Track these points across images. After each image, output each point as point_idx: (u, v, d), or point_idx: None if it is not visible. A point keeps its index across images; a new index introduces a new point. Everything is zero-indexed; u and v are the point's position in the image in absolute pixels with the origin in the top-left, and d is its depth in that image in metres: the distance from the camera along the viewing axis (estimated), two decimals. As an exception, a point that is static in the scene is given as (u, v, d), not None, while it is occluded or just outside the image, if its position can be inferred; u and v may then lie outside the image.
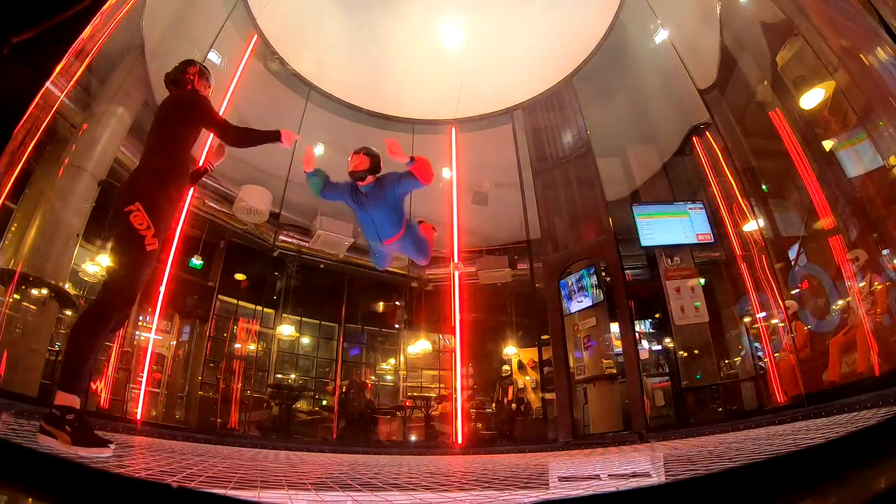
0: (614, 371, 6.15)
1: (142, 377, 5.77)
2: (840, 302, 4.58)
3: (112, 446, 1.97)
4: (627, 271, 6.53)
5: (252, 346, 8.66)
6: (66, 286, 5.25)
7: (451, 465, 3.51)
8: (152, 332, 6.31)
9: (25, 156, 4.86)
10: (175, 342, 7.65)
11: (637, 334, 6.69)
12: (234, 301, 8.52)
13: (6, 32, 0.55)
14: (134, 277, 2.09)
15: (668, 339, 7.33)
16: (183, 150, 2.43)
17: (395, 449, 6.67)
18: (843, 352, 4.15)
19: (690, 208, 6.33)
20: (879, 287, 4.04)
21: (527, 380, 8.89)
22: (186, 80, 2.73)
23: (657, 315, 7.52)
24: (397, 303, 10.03)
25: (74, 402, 1.87)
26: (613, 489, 1.30)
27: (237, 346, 8.46)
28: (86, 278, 6.09)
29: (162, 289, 5.97)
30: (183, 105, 2.54)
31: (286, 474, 2.12)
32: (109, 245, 2.26)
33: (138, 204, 2.08)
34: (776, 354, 5.23)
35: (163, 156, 2.32)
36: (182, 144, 2.42)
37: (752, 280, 5.71)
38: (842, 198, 4.70)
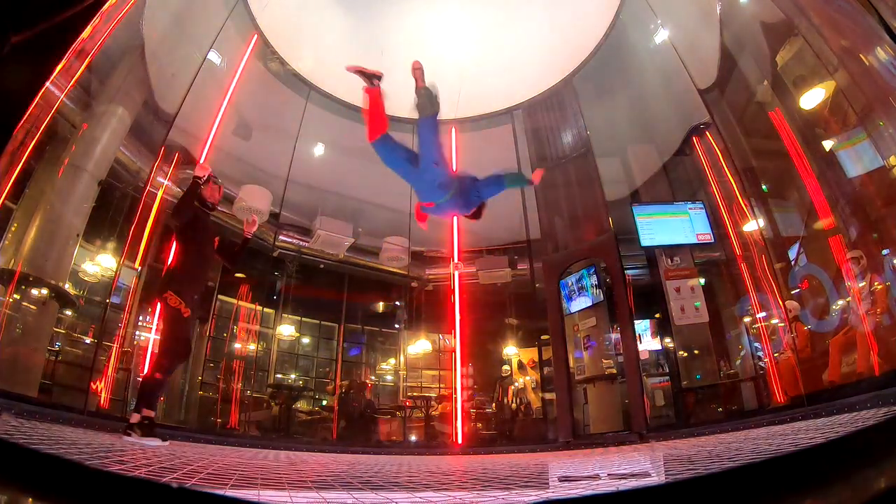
0: (614, 371, 6.15)
1: (142, 377, 5.76)
2: (840, 302, 4.58)
3: (168, 442, 3.13)
4: (627, 271, 6.52)
5: (252, 346, 8.65)
6: (66, 286, 5.25)
7: (451, 464, 3.51)
8: (152, 333, 6.31)
9: (25, 156, 4.86)
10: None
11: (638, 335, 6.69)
12: (234, 301, 8.52)
13: (6, 32, 0.55)
14: (180, 332, 3.33)
15: (668, 339, 7.32)
16: (185, 251, 3.47)
17: (395, 449, 6.68)
18: (843, 352, 4.15)
19: (690, 208, 6.33)
20: (879, 287, 4.04)
21: (527, 380, 8.88)
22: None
23: (657, 315, 7.52)
24: (397, 303, 10.03)
25: (151, 414, 3.10)
26: (613, 489, 1.30)
27: (237, 346, 8.46)
28: (86, 278, 6.09)
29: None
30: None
31: (286, 473, 2.11)
32: (159, 316, 3.85)
33: (170, 292, 3.29)
34: (776, 354, 5.23)
35: (175, 259, 3.51)
36: (184, 247, 3.49)
37: (752, 280, 5.70)
38: (842, 198, 4.70)
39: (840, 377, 4.09)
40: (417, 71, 3.58)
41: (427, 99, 3.56)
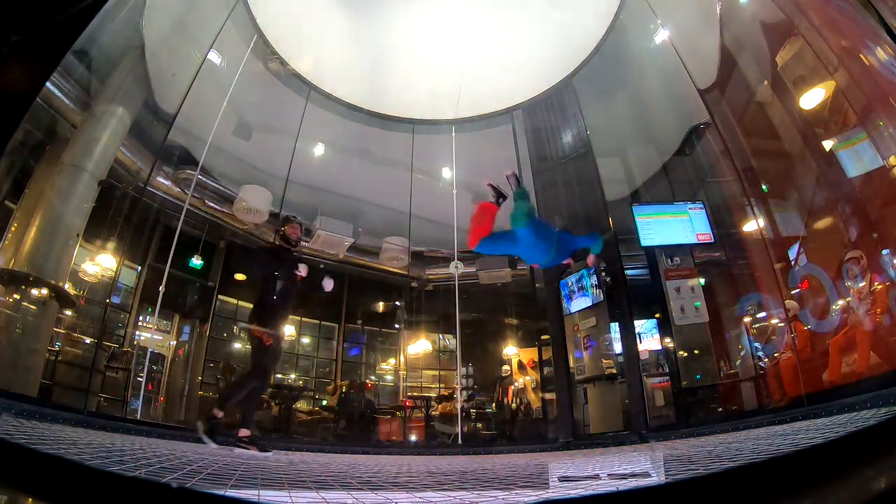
0: (614, 371, 6.15)
1: (142, 377, 5.77)
2: (840, 302, 4.58)
3: (271, 454, 3.51)
4: (627, 271, 6.52)
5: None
6: (66, 286, 5.25)
7: (451, 465, 3.51)
8: (152, 332, 6.31)
9: (25, 156, 4.86)
10: (175, 342, 7.64)
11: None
12: (234, 301, 8.52)
13: (6, 32, 0.55)
14: (262, 360, 3.73)
15: (668, 339, 7.32)
16: (263, 293, 3.87)
17: (395, 449, 6.67)
18: (843, 352, 4.15)
19: (690, 208, 6.32)
20: (879, 287, 4.04)
21: (527, 380, 8.88)
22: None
23: (657, 315, 7.51)
24: (397, 303, 10.03)
25: (247, 433, 3.53)
26: (613, 489, 1.30)
27: (237, 346, 8.46)
28: (86, 278, 6.09)
29: (162, 289, 5.97)
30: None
31: (286, 473, 2.11)
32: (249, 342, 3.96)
33: (255, 324, 3.66)
34: (775, 354, 5.23)
35: (261, 291, 3.91)
36: (261, 289, 3.92)
37: (752, 280, 5.70)
38: (842, 198, 4.69)
39: (840, 377, 4.09)
40: (513, 177, 3.88)
41: (528, 199, 3.82)
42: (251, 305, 4.02)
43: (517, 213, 3.61)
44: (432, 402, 8.21)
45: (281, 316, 3.90)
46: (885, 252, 4.13)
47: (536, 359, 8.67)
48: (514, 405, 8.33)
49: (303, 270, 3.98)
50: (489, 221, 3.69)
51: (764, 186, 5.96)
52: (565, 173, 7.18)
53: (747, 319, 6.09)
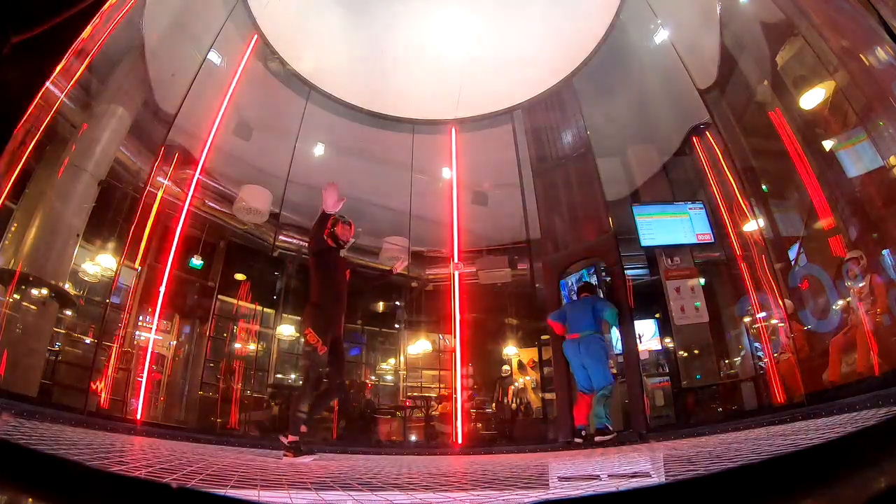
0: (614, 371, 6.15)
1: (142, 377, 5.77)
2: (840, 302, 4.58)
3: (316, 456, 3.41)
4: (627, 271, 6.52)
5: (252, 346, 8.66)
6: (66, 286, 5.25)
7: (451, 465, 3.51)
8: (152, 332, 6.31)
9: (25, 156, 4.86)
10: (175, 342, 7.65)
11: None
12: (234, 301, 8.52)
13: (6, 32, 0.55)
14: (314, 367, 3.58)
15: (668, 339, 7.33)
16: (321, 286, 3.66)
17: (395, 449, 6.67)
18: (843, 352, 4.15)
19: (690, 208, 6.32)
20: (879, 287, 4.04)
21: (527, 380, 8.88)
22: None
23: (657, 315, 7.52)
24: (397, 303, 10.03)
25: (295, 438, 3.35)
26: (613, 489, 1.30)
27: (237, 346, 8.46)
28: (86, 278, 6.09)
29: (162, 289, 5.97)
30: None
31: (286, 474, 2.12)
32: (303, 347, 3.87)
33: (309, 329, 3.51)
34: (775, 355, 5.23)
35: (313, 295, 3.66)
36: (319, 282, 3.67)
37: (752, 280, 5.70)
38: (842, 198, 4.69)
39: (840, 377, 4.09)
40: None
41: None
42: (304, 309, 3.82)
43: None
44: (432, 402, 8.21)
45: (335, 318, 3.68)
46: (885, 252, 4.13)
47: (536, 359, 8.66)
48: (514, 405, 8.33)
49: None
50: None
51: (764, 186, 5.96)
52: (565, 173, 7.18)
53: (747, 319, 6.09)
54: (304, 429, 3.43)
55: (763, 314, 5.65)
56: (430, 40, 8.12)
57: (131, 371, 6.02)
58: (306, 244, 4.08)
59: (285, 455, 3.28)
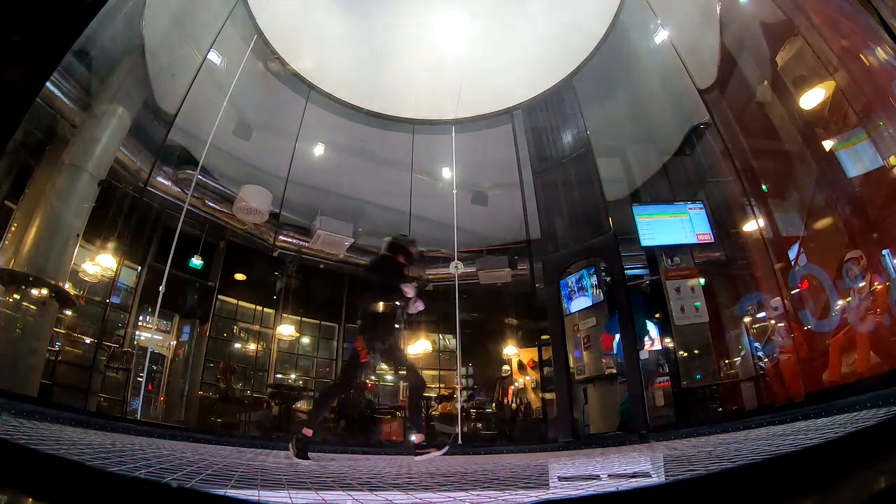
0: (614, 371, 6.15)
1: (142, 377, 5.77)
2: (840, 302, 4.57)
3: (310, 462, 3.25)
4: (627, 271, 6.52)
5: (252, 346, 8.66)
6: (67, 286, 5.25)
7: (451, 465, 3.51)
8: (152, 332, 6.31)
9: (25, 156, 4.86)
10: (175, 342, 7.65)
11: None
12: (234, 301, 8.52)
13: (6, 32, 0.55)
14: (352, 372, 4.03)
15: (668, 339, 7.32)
16: (371, 305, 3.99)
17: (395, 449, 6.67)
18: (844, 352, 4.15)
19: (690, 208, 6.32)
20: (879, 287, 4.03)
21: (527, 380, 8.88)
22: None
23: (657, 315, 7.51)
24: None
25: (309, 433, 3.53)
26: (613, 489, 1.30)
27: (237, 346, 8.46)
28: (86, 278, 6.09)
29: (162, 289, 5.97)
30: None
31: (286, 474, 2.11)
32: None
33: (360, 337, 3.83)
34: (774, 354, 5.23)
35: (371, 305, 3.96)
36: (370, 301, 3.99)
37: (752, 280, 5.70)
38: (842, 198, 4.69)
39: (840, 377, 4.08)
40: None
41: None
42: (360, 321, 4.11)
43: None
44: (432, 403, 8.21)
45: (389, 333, 3.96)
46: (885, 252, 4.13)
47: (536, 359, 8.66)
48: (514, 405, 8.33)
49: (410, 291, 4.07)
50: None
51: (764, 186, 5.95)
52: (565, 173, 7.18)
53: (747, 319, 6.08)
54: (308, 432, 3.53)
55: (763, 314, 5.65)
56: (431, 40, 8.12)
57: (131, 371, 6.02)
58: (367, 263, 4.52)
59: (420, 453, 3.56)
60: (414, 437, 3.65)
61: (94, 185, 5.53)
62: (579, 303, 6.63)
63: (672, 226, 6.23)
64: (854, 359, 3.98)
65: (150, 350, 6.82)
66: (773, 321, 5.47)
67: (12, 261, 4.82)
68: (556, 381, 6.24)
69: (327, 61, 7.99)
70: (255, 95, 7.72)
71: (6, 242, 4.97)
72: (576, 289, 6.68)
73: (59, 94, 5.31)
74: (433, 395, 8.75)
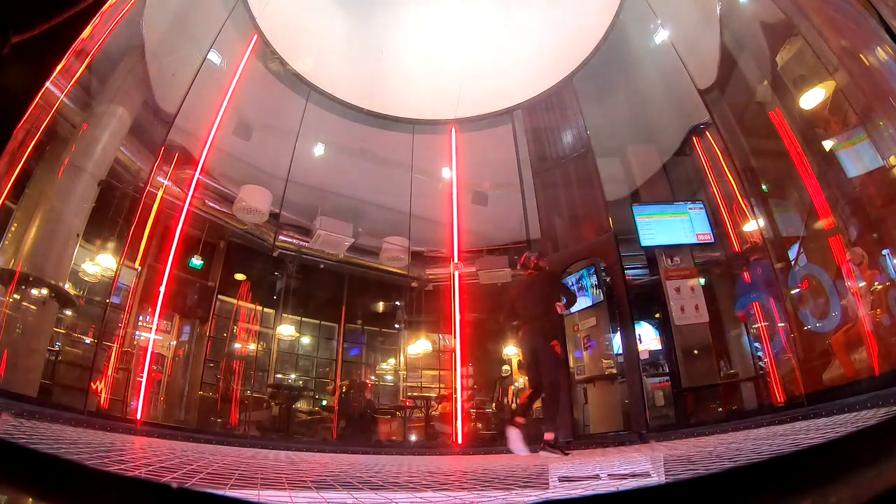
0: (614, 371, 6.15)
1: (142, 377, 5.76)
2: (840, 301, 4.57)
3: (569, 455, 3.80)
4: (627, 271, 6.52)
5: (252, 346, 8.66)
6: (67, 286, 5.25)
7: (451, 464, 3.51)
8: (152, 332, 6.31)
9: (25, 156, 4.86)
10: (175, 342, 7.65)
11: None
12: (234, 301, 8.52)
13: (6, 32, 0.55)
14: (556, 370, 4.25)
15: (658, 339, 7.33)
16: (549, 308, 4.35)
17: (395, 449, 6.67)
18: (850, 348, 4.12)
19: (690, 208, 6.32)
20: (879, 287, 4.03)
21: (527, 380, 8.87)
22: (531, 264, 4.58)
23: (657, 315, 7.51)
24: (397, 303, 10.02)
25: (551, 435, 3.95)
26: (613, 489, 1.30)
27: (237, 346, 8.46)
28: (86, 278, 6.09)
29: (162, 289, 5.97)
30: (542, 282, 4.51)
31: (286, 473, 2.11)
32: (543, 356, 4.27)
33: (555, 341, 4.18)
34: (772, 353, 5.22)
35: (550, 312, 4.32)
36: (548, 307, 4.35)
37: (751, 280, 5.69)
38: (842, 198, 4.69)
39: (854, 373, 4.05)
40: None
41: None
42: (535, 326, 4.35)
43: None
44: (432, 402, 8.21)
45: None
46: (885, 252, 4.13)
47: (536, 359, 8.64)
48: (514, 405, 8.32)
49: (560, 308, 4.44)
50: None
51: (764, 186, 5.95)
52: (565, 173, 7.18)
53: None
54: (550, 436, 3.92)
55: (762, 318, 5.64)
56: (431, 40, 8.12)
57: (131, 371, 6.02)
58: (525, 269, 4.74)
59: (547, 450, 3.80)
60: (546, 435, 3.93)
61: (94, 185, 5.53)
62: (579, 303, 6.63)
63: (672, 226, 6.23)
64: (864, 355, 3.96)
65: (150, 350, 6.81)
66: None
67: (12, 261, 4.82)
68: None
69: (327, 61, 7.99)
70: (255, 95, 7.72)
71: (6, 242, 4.97)
72: (576, 289, 6.68)
73: (59, 94, 5.31)
74: (433, 395, 8.76)
